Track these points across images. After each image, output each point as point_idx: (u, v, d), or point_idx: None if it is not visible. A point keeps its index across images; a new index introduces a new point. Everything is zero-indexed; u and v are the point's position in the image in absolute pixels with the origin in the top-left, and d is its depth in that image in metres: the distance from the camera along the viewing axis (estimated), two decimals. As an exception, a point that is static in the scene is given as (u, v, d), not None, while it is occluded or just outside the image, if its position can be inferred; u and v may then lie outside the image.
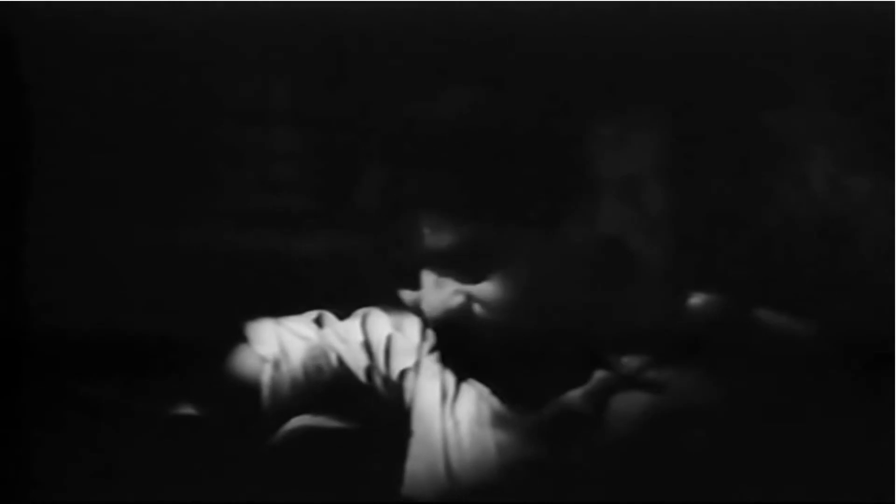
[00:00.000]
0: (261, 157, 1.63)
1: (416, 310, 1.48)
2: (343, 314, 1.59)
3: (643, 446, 1.44)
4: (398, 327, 1.58)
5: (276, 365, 1.55)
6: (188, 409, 1.55)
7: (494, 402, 1.50)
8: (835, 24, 1.55)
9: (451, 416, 1.52)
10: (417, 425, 1.54)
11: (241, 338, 1.58)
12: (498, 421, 1.49)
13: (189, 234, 1.59)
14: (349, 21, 1.56)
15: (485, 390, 1.50)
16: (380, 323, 1.58)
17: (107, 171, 1.59)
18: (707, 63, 1.57)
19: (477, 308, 1.45)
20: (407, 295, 1.48)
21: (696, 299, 1.48)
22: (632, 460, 1.45)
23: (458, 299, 1.45)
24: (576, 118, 1.50)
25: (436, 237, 1.43)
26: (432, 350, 1.55)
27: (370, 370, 1.57)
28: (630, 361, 1.45)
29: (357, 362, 1.57)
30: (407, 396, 1.56)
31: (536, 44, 1.53)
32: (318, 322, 1.59)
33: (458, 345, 1.48)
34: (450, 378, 1.53)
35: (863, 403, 1.46)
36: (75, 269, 1.57)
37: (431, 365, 1.55)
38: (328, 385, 1.56)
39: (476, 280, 1.44)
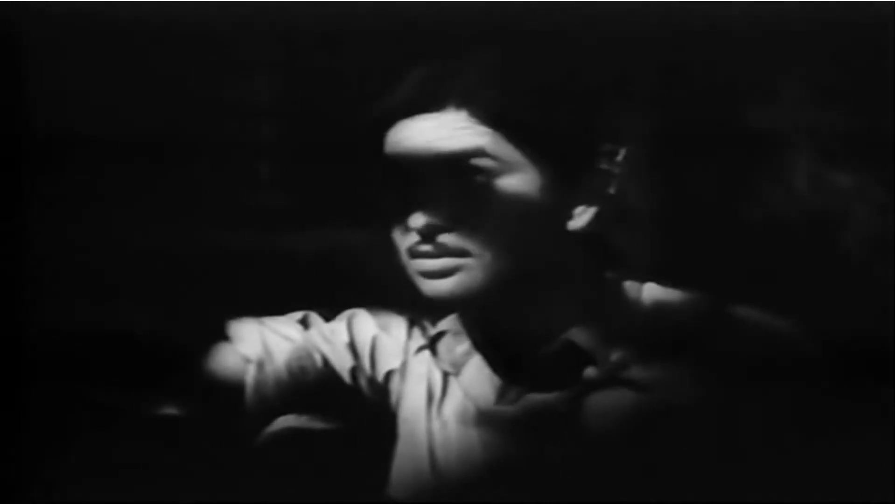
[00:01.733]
0: (255, 155, 1.63)
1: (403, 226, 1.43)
2: (329, 315, 1.59)
3: (627, 444, 1.42)
4: (384, 328, 1.57)
5: (261, 365, 1.54)
6: (171, 410, 1.54)
7: (488, 384, 1.48)
8: (834, 23, 1.54)
9: (438, 416, 1.50)
10: (403, 426, 1.53)
11: (226, 338, 1.57)
12: (483, 419, 1.47)
13: (177, 235, 1.59)
14: (335, 18, 1.56)
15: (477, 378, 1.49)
16: (365, 324, 1.57)
17: (101, 171, 1.59)
18: (703, 62, 1.56)
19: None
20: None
21: (680, 296, 1.47)
22: (617, 458, 1.43)
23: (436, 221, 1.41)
24: (563, 115, 1.49)
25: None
26: (419, 350, 1.55)
27: (355, 371, 1.56)
28: (614, 358, 1.43)
29: (342, 363, 1.56)
30: (393, 398, 1.55)
31: (527, 40, 1.52)
32: (304, 322, 1.58)
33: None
34: (437, 377, 1.52)
35: (855, 402, 1.45)
36: (62, 269, 1.57)
37: (418, 366, 1.54)
38: (313, 386, 1.55)
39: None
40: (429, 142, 1.40)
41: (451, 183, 1.40)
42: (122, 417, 1.54)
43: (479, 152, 1.39)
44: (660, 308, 1.45)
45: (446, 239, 1.39)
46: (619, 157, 1.43)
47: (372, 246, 1.57)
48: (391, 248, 1.48)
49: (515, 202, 1.40)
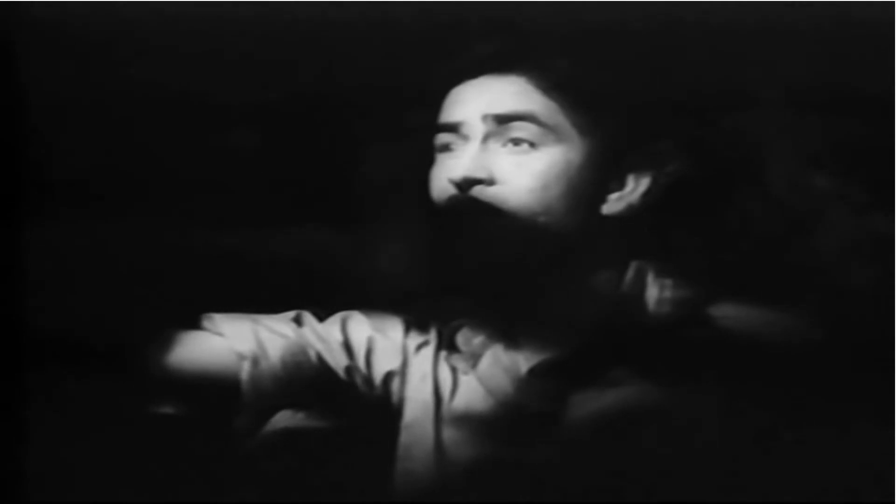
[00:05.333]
0: (253, 156, 1.63)
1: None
2: (322, 315, 1.58)
3: (633, 444, 1.42)
4: (379, 330, 1.56)
5: (255, 361, 1.53)
6: (167, 409, 1.53)
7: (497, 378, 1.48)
8: (834, 23, 1.54)
9: (448, 414, 1.50)
10: (409, 426, 1.52)
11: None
12: (486, 420, 1.47)
13: (173, 235, 1.58)
14: (322, 17, 1.56)
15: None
16: (360, 325, 1.56)
17: (102, 172, 1.58)
18: (702, 61, 1.56)
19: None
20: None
21: (661, 293, 1.47)
22: (626, 458, 1.43)
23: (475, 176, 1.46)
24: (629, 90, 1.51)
25: None
26: (420, 347, 1.54)
27: (350, 370, 1.55)
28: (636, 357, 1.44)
29: (337, 362, 1.55)
30: (394, 398, 1.53)
31: (521, 37, 1.53)
32: (297, 321, 1.56)
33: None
34: (445, 375, 1.52)
35: (854, 401, 1.44)
36: (60, 269, 1.56)
37: (420, 364, 1.53)
38: (308, 381, 1.54)
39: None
40: (484, 101, 1.46)
41: (496, 143, 1.45)
42: (118, 417, 1.53)
43: (529, 117, 1.45)
44: (678, 309, 1.46)
45: (480, 195, 1.44)
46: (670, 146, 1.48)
47: (359, 248, 1.58)
48: (380, 251, 1.49)
49: (555, 171, 1.44)
